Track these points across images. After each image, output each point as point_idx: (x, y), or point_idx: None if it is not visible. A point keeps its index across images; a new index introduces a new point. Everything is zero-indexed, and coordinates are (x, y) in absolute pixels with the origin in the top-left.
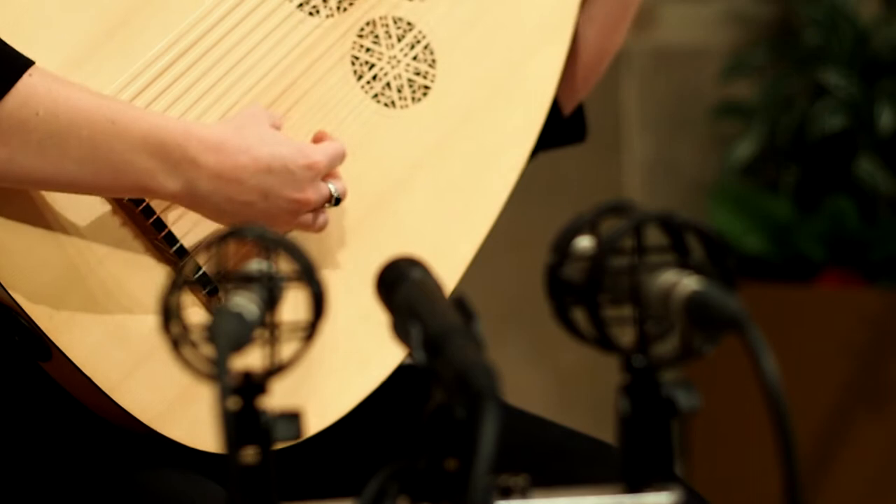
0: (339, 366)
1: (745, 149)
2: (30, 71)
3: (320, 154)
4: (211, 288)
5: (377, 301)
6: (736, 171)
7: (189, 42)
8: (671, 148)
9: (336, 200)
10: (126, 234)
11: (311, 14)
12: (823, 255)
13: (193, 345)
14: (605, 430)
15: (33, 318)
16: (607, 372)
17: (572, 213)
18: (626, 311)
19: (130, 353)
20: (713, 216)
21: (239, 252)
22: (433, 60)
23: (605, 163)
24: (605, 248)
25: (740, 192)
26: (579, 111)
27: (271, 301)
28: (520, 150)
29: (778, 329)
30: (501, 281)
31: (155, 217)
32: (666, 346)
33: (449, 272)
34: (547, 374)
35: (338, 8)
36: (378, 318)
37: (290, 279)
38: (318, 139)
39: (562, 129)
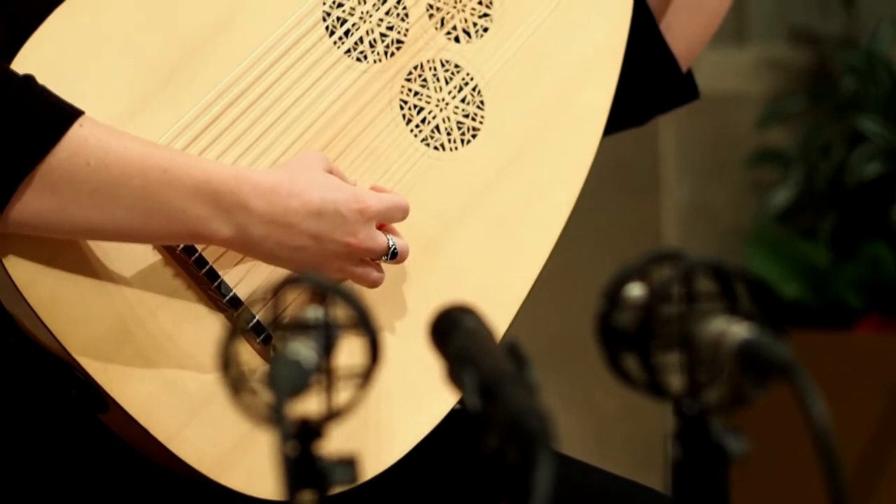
0: (393, 410)
1: (782, 195)
2: (80, 121)
3: (373, 199)
4: (265, 336)
5: (431, 348)
6: (773, 217)
7: (239, 91)
8: (708, 194)
9: (393, 254)
10: (179, 284)
11: (358, 60)
12: (861, 302)
13: (252, 391)
14: (642, 475)
15: (88, 370)
16: (645, 417)
17: (610, 258)
18: (676, 357)
19: (186, 403)
20: (750, 262)
21: (295, 299)
22: (481, 102)
23: (642, 208)
24: (656, 296)
25: (777, 238)
26: (689, 71)
27: (328, 348)
28: (570, 186)
29: (816, 375)
30: (539, 324)
31: (208, 267)
32: (715, 393)
33: (501, 314)
34: (585, 419)
35: (385, 53)
36: (430, 363)
37: (346, 326)
38: (375, 190)
39: (678, 88)
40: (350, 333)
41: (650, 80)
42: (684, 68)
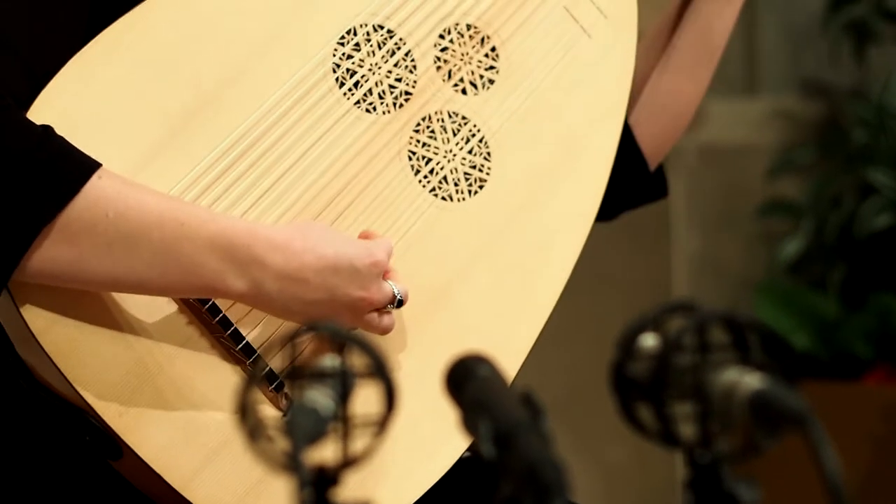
0: (405, 456)
1: (792, 246)
2: (98, 173)
3: (381, 251)
4: (277, 384)
5: (446, 397)
6: (783, 268)
7: (250, 141)
8: (718, 244)
9: (399, 302)
10: (193, 332)
11: (367, 111)
12: (870, 353)
13: (269, 439)
14: None
15: (103, 417)
16: (654, 466)
17: (620, 309)
18: (689, 407)
19: (200, 450)
20: (760, 313)
21: (307, 347)
22: (488, 153)
23: (652, 259)
24: (670, 346)
25: (787, 289)
26: (660, 168)
27: (344, 396)
28: (575, 236)
29: (825, 426)
30: (548, 375)
31: (221, 315)
32: (727, 442)
33: (509, 362)
34: (592, 469)
35: (394, 104)
36: (441, 410)
37: (362, 374)
38: (364, 237)
39: (646, 185)
40: (366, 382)
41: (618, 176)
42: (652, 166)
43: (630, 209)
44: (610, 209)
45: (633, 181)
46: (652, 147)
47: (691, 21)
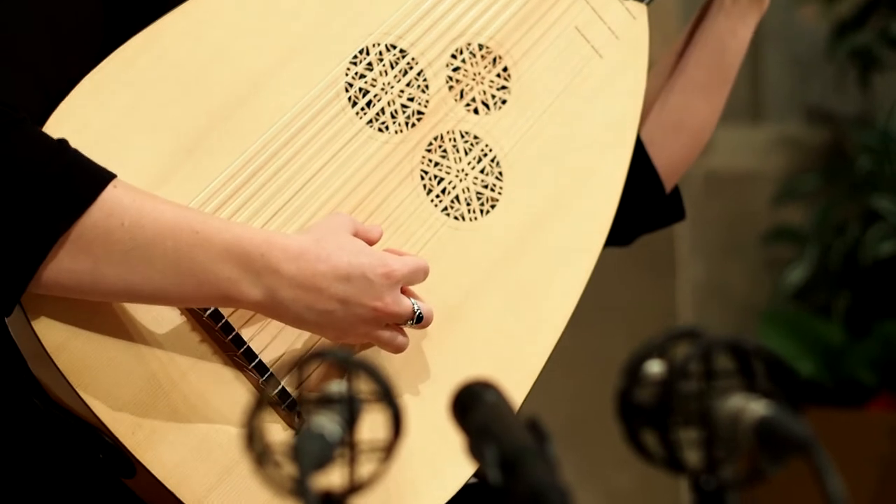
0: (412, 477)
1: (797, 273)
2: (114, 182)
3: (398, 263)
4: (289, 402)
5: (452, 422)
6: (788, 295)
7: (264, 159)
8: (723, 271)
9: (418, 318)
10: (205, 349)
11: (380, 130)
12: (874, 380)
13: (277, 464)
14: None
15: (117, 434)
16: (657, 493)
17: (625, 336)
18: (695, 433)
19: (213, 467)
20: (765, 340)
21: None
22: (500, 173)
23: (657, 286)
24: (676, 373)
25: (792, 316)
26: (676, 190)
27: (351, 421)
28: (587, 256)
29: (829, 453)
30: (554, 402)
31: (234, 333)
32: (732, 469)
33: (518, 384)
34: (598, 496)
35: (406, 123)
36: (448, 432)
37: (369, 400)
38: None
39: (662, 207)
40: (373, 407)
41: (633, 198)
42: (668, 187)
43: (646, 232)
44: (626, 232)
45: (649, 203)
46: (667, 168)
47: (704, 38)
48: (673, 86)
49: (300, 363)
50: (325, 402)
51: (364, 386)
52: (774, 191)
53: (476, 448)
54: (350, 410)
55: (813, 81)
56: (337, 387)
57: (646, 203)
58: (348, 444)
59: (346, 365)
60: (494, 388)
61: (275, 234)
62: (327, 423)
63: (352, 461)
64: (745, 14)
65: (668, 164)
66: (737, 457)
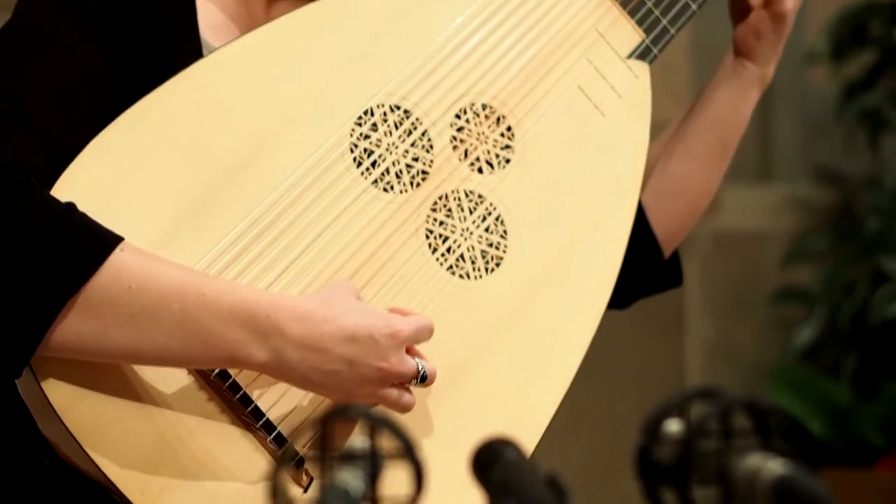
0: None
1: (805, 333)
2: (121, 246)
3: (403, 323)
4: (298, 459)
5: (472, 479)
6: (796, 355)
7: (269, 220)
8: (732, 331)
9: (422, 377)
10: (213, 408)
11: (385, 190)
12: (883, 441)
13: None
14: None
15: (126, 493)
16: None
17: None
18: (713, 492)
19: None
20: (773, 399)
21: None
22: (504, 231)
23: (666, 345)
24: (695, 432)
25: (800, 376)
26: (675, 255)
27: (374, 477)
28: (591, 313)
29: None
30: (563, 461)
31: (241, 392)
32: None
33: (526, 440)
34: None
35: (411, 183)
36: (463, 485)
37: (392, 456)
38: (395, 313)
39: (660, 273)
40: (395, 464)
41: (632, 263)
42: (667, 252)
43: (643, 297)
44: (623, 297)
45: (647, 268)
46: (666, 233)
47: (705, 109)
48: (672, 153)
49: (322, 420)
50: (348, 458)
51: (386, 442)
52: (783, 251)
53: None
54: (373, 466)
55: (822, 142)
56: (360, 442)
57: (644, 268)
58: (371, 500)
59: (370, 421)
60: (514, 445)
61: (281, 296)
62: (351, 479)
63: None
64: (748, 88)
65: (667, 229)
66: None
